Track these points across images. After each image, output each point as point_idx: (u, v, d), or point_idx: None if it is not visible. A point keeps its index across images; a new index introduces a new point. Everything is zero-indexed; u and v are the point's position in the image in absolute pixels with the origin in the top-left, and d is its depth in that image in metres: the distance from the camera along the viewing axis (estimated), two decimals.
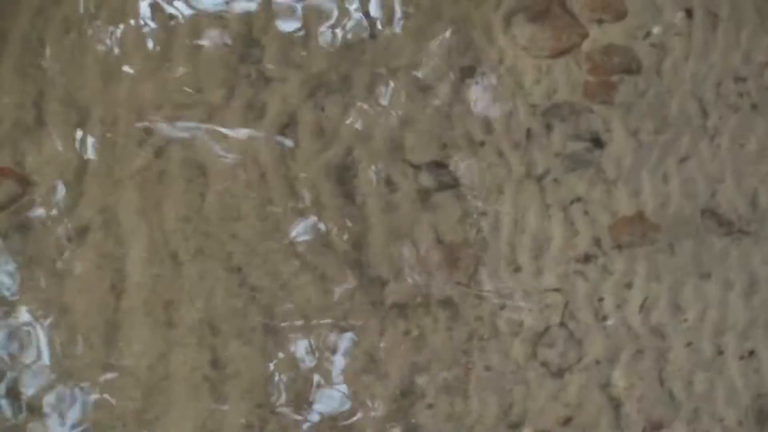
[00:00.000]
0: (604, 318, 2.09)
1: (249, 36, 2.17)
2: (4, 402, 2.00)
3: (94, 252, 2.07)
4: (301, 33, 2.18)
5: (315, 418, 2.02)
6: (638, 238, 2.12)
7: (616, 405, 2.07)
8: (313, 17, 2.16)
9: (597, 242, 2.12)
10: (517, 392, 2.07)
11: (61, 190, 2.10)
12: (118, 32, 2.16)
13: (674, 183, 2.15)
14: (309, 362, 2.04)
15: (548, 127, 2.17)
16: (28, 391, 2.00)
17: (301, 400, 2.03)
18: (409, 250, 2.10)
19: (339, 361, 2.04)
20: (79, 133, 2.14)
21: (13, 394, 1.99)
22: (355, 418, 2.02)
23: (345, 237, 2.09)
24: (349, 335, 2.05)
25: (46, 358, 2.02)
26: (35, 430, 1.98)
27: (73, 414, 2.00)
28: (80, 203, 2.10)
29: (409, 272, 2.08)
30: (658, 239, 2.12)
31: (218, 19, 2.17)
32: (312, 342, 2.05)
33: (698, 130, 2.18)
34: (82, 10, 2.17)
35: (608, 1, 2.23)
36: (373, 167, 2.12)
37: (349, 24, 2.20)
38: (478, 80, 2.17)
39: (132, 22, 2.16)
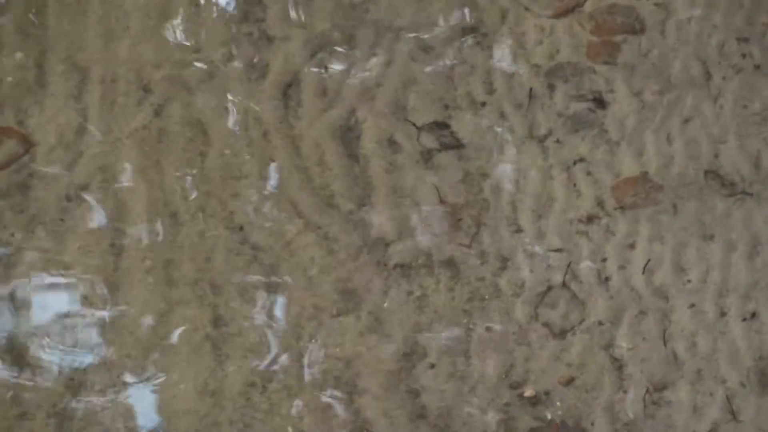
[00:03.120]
0: (607, 279, 2.01)
1: None
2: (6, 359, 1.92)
3: (95, 211, 1.98)
4: None
5: (317, 376, 1.93)
6: (641, 198, 2.04)
7: (618, 366, 1.99)
8: None
9: (600, 203, 2.04)
10: (519, 353, 1.99)
11: (61, 149, 2.01)
12: None
13: (677, 144, 2.07)
14: (312, 321, 1.96)
15: (551, 88, 2.09)
16: (29, 349, 1.91)
17: (304, 359, 1.94)
18: (411, 210, 2.01)
19: (342, 322, 1.96)
20: (79, 93, 2.04)
21: (15, 352, 1.91)
22: (358, 377, 1.94)
23: (349, 197, 2.00)
24: (352, 295, 1.96)
25: (45, 317, 1.94)
26: (32, 386, 1.90)
27: (73, 372, 1.91)
28: (80, 162, 2.01)
29: (411, 233, 1.99)
30: (661, 200, 2.04)
31: None
32: (315, 301, 1.96)
33: (702, 90, 2.10)
34: None
35: None
36: (376, 127, 2.03)
37: None
38: (479, 40, 2.08)
39: None
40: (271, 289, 2.00)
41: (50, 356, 1.95)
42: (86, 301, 1.98)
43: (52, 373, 1.94)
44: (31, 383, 1.91)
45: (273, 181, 2.05)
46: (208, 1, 2.12)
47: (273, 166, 2.05)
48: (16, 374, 1.93)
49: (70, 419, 1.91)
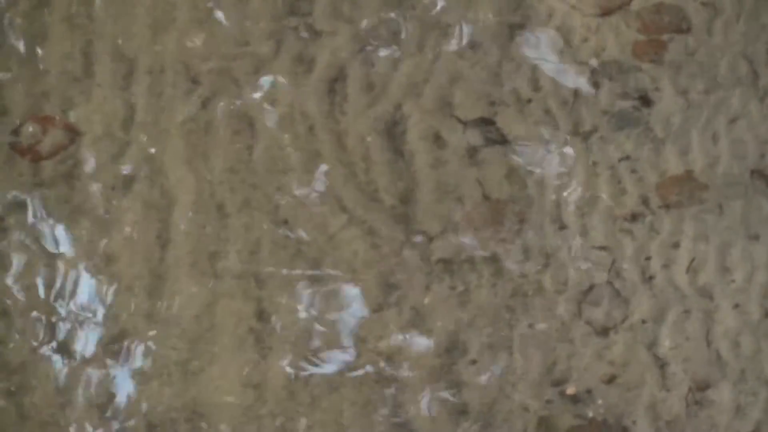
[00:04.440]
0: (651, 277, 1.98)
1: None
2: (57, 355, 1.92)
3: (140, 202, 1.97)
4: None
5: (360, 371, 1.91)
6: (686, 197, 2.01)
7: (661, 365, 1.96)
8: None
9: (645, 201, 2.01)
10: (561, 350, 1.96)
11: (107, 140, 1.99)
12: None
13: (723, 143, 2.04)
14: (355, 316, 1.93)
15: (596, 85, 2.06)
16: (77, 340, 1.90)
17: (346, 353, 1.92)
18: (455, 205, 1.98)
19: (385, 316, 1.93)
20: (126, 83, 2.02)
21: (65, 345, 1.90)
22: (399, 372, 1.92)
23: (393, 192, 1.97)
24: (395, 290, 1.94)
25: (93, 309, 1.92)
26: (81, 376, 1.89)
27: (121, 363, 1.90)
28: (127, 153, 2.02)
29: (455, 228, 1.97)
30: (706, 199, 2.01)
31: None
32: (359, 296, 1.94)
33: (748, 90, 2.06)
34: None
35: None
36: (421, 123, 2.00)
37: None
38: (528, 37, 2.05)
39: None
40: (315, 282, 1.98)
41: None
42: (131, 292, 1.96)
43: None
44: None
45: (318, 175, 2.03)
46: None
47: (318, 161, 2.03)
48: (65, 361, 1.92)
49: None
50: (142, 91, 2.08)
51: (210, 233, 2.01)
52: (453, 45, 2.11)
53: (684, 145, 2.08)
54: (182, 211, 2.01)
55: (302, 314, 1.97)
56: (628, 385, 1.98)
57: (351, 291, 1.99)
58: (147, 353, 1.96)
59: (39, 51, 2.07)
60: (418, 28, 2.11)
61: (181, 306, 1.97)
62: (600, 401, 1.98)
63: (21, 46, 2.07)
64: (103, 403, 1.94)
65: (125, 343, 1.96)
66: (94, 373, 1.96)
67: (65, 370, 1.93)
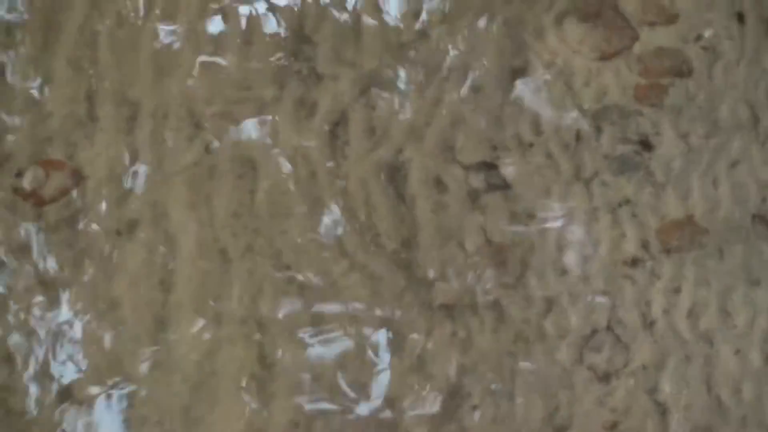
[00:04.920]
0: (652, 323, 1.98)
1: (301, 33, 2.06)
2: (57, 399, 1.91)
3: (143, 246, 1.97)
4: (353, 30, 2.05)
5: (361, 416, 1.90)
6: (687, 242, 2.01)
7: (662, 411, 1.96)
8: (366, 14, 2.03)
9: (645, 246, 2.01)
10: (563, 396, 1.96)
11: (111, 184, 1.99)
12: (171, 28, 2.04)
13: (724, 187, 2.04)
14: (356, 361, 1.93)
15: (598, 129, 2.06)
16: (69, 381, 1.90)
17: (348, 399, 1.91)
18: (457, 250, 1.98)
19: (386, 361, 1.93)
20: (130, 128, 2.02)
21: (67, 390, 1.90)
22: (402, 417, 1.91)
23: (395, 236, 1.97)
24: (396, 335, 1.94)
25: (93, 352, 1.92)
26: (76, 417, 1.88)
27: (118, 408, 1.89)
28: (130, 197, 2.02)
29: (457, 273, 1.96)
30: (707, 244, 2.01)
31: (271, 15, 2.05)
32: (360, 341, 1.93)
33: (749, 134, 2.07)
34: (136, 4, 2.04)
35: (660, 4, 2.12)
36: (423, 167, 2.00)
37: (402, 23, 2.08)
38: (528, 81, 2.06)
39: (185, 17, 2.03)
40: (317, 328, 1.97)
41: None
42: (134, 336, 1.96)
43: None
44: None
45: (320, 219, 2.02)
46: (259, 38, 2.10)
47: (320, 205, 2.03)
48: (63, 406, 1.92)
49: None
50: (145, 136, 2.09)
51: (212, 278, 2.01)
52: (455, 89, 2.11)
53: (685, 190, 2.08)
54: (185, 255, 2.02)
55: (304, 360, 1.97)
56: (629, 431, 1.97)
57: (353, 336, 1.99)
58: (148, 399, 1.95)
59: (43, 95, 2.07)
60: (419, 72, 2.12)
61: (183, 351, 1.97)
62: None
63: (25, 89, 2.07)
64: None
65: (126, 388, 1.96)
66: (94, 418, 1.96)
67: (66, 413, 1.93)
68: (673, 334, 2.07)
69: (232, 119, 2.13)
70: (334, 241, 2.07)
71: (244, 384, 1.99)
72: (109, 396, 1.99)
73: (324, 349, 2.03)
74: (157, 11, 2.14)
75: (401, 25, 2.17)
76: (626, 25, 2.20)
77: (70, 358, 2.01)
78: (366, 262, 2.06)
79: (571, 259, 2.08)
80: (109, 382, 2.00)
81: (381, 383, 2.01)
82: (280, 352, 2.01)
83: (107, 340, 2.02)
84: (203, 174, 2.10)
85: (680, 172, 2.13)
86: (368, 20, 2.16)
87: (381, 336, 2.03)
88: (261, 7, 2.16)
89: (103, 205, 2.08)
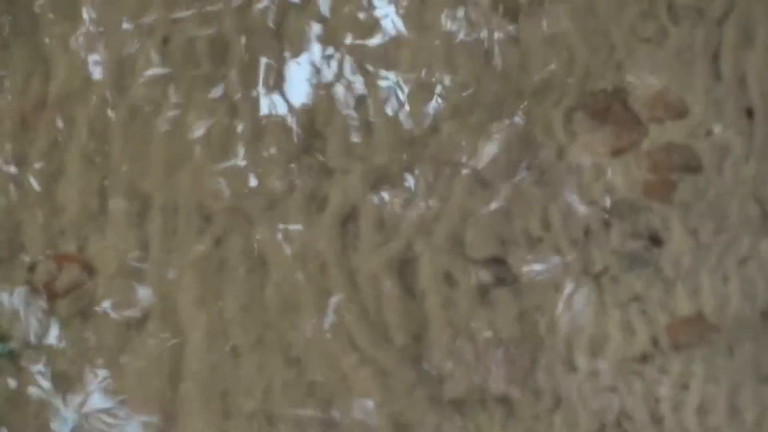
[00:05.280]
0: (661, 419, 2.25)
1: (311, 127, 2.36)
2: None
3: (153, 340, 2.26)
4: (364, 125, 2.37)
5: None
6: (696, 339, 2.29)
7: None
8: (377, 109, 2.35)
9: (654, 342, 2.29)
10: None
11: (122, 278, 2.29)
12: (183, 121, 2.37)
13: (734, 284, 2.32)
14: None
15: (607, 225, 2.35)
16: None
17: None
18: (467, 345, 2.28)
19: None
20: (141, 221, 2.33)
21: None
22: None
23: (404, 331, 2.27)
24: (406, 430, 2.22)
25: None
26: None
27: None
28: (140, 291, 2.29)
29: (466, 368, 2.26)
30: (716, 341, 2.29)
31: (281, 110, 2.37)
32: None
33: (758, 230, 2.34)
34: (148, 98, 2.37)
35: (669, 99, 2.41)
36: (433, 262, 2.30)
37: (412, 116, 2.40)
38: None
39: (198, 112, 2.36)
40: (327, 424, 2.27)
41: None
42: (144, 430, 2.25)
43: None
44: None
45: (330, 313, 2.33)
46: (270, 133, 2.41)
47: (330, 299, 2.33)
48: None
49: None
50: (156, 229, 2.37)
51: (222, 372, 2.30)
52: (464, 183, 2.43)
53: (694, 286, 2.36)
54: (195, 349, 2.31)
55: None
56: None
57: None
58: None
59: (56, 188, 2.40)
60: (430, 167, 2.42)
61: None
62: None
63: (38, 183, 2.39)
64: None
65: None
66: None
67: None
68: (682, 430, 2.35)
69: (243, 213, 2.45)
70: (344, 335, 2.37)
71: None
72: None
73: None
74: (169, 104, 2.47)
75: (412, 120, 2.50)
76: (636, 120, 2.50)
77: None
78: (376, 356, 2.35)
79: (580, 354, 2.38)
80: None
81: None
82: None
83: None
84: (213, 268, 2.39)
85: (690, 268, 2.42)
86: (379, 115, 2.49)
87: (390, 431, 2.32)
88: (273, 103, 2.49)
89: (114, 299, 2.39)
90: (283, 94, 2.35)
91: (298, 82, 2.36)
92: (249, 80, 2.35)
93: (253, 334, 2.20)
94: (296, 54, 2.37)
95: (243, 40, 2.37)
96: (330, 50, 2.36)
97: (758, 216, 2.31)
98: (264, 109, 2.34)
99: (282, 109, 2.35)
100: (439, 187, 2.31)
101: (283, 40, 2.36)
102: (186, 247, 2.27)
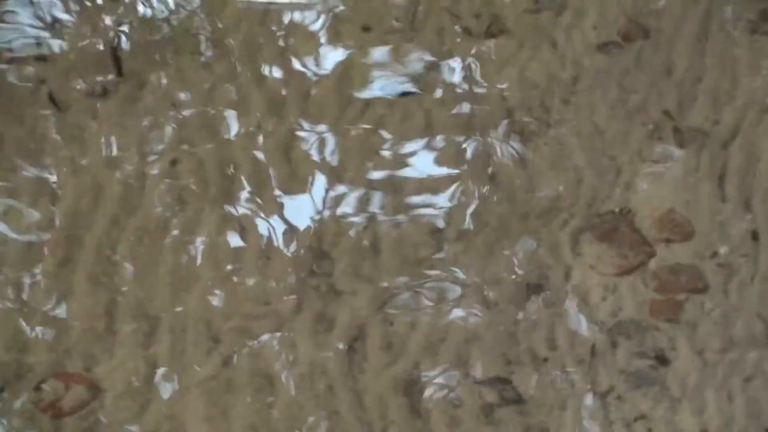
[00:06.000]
0: None
1: (319, 248, 3.12)
2: None
3: None
4: (371, 246, 3.15)
5: None
6: None
7: None
8: (382, 232, 3.12)
9: None
10: None
11: (128, 397, 3.01)
12: (191, 244, 3.14)
13: (739, 402, 3.01)
14: None
15: (613, 344, 3.07)
16: None
17: None
18: None
19: None
20: (148, 342, 3.05)
21: None
22: None
23: None
24: None
25: None
26: None
27: None
28: (147, 411, 2.95)
29: None
30: None
31: (288, 232, 3.15)
32: None
33: (763, 349, 3.03)
34: (155, 221, 3.15)
35: (676, 221, 3.17)
36: (438, 382, 3.04)
37: (419, 239, 3.18)
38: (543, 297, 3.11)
39: (206, 232, 3.14)
40: None
41: None
42: None
43: None
44: None
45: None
46: (278, 254, 3.16)
47: (338, 418, 3.06)
48: None
49: None
50: (163, 350, 3.06)
51: None
52: (470, 304, 3.18)
53: (700, 404, 3.07)
54: None
55: None
56: None
57: None
58: None
59: (63, 308, 3.15)
60: (435, 287, 3.19)
61: None
62: None
63: (45, 303, 3.15)
64: None
65: None
66: None
67: None
68: None
69: (251, 334, 3.17)
70: None
71: None
72: None
73: None
74: (177, 227, 3.25)
75: (419, 242, 3.28)
76: (642, 241, 3.27)
77: None
78: None
79: None
80: None
81: None
82: None
83: None
84: (221, 388, 3.04)
85: (695, 386, 3.09)
86: (386, 237, 3.26)
87: None
88: (279, 226, 3.27)
89: (121, 418, 3.08)
90: (290, 217, 3.10)
91: (306, 206, 3.12)
92: (257, 202, 3.09)
93: None
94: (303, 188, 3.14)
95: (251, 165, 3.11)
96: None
97: (763, 335, 3.04)
98: (272, 230, 3.08)
99: (289, 231, 3.09)
100: (445, 308, 3.04)
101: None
102: (193, 367, 2.94)
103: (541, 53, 3.34)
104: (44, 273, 3.03)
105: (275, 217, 3.06)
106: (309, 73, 3.37)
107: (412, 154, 3.26)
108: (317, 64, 3.47)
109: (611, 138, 3.14)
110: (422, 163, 3.27)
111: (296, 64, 3.43)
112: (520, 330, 2.97)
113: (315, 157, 3.18)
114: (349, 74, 3.39)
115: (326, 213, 3.10)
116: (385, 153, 3.23)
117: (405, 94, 3.29)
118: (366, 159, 3.17)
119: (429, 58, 3.50)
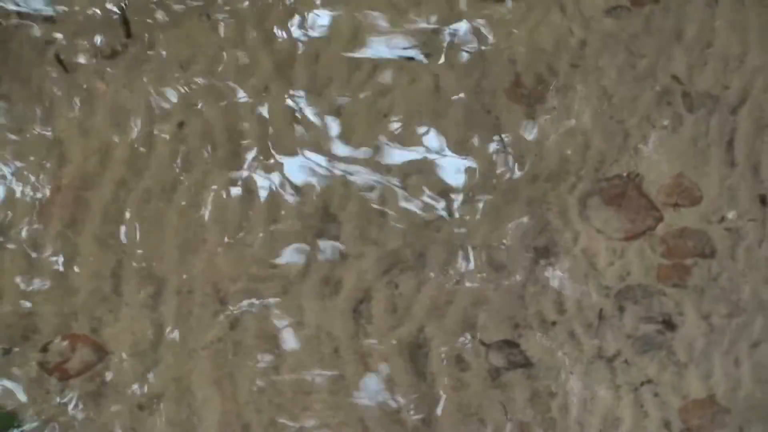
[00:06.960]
0: None
1: (326, 211, 3.11)
2: None
3: (167, 422, 2.96)
4: (378, 209, 3.13)
5: None
6: (708, 421, 2.98)
7: None
8: (389, 195, 3.11)
9: (667, 425, 2.98)
10: None
11: (135, 359, 3.01)
12: (198, 205, 3.12)
13: (745, 367, 3.01)
14: None
15: (621, 309, 3.06)
16: None
17: None
18: (478, 428, 2.99)
19: None
20: (155, 303, 3.04)
21: None
22: None
23: (415, 413, 2.98)
24: None
25: None
26: None
27: None
28: (154, 372, 2.95)
29: None
30: (728, 423, 2.96)
31: (297, 193, 3.13)
32: None
33: None
34: (162, 183, 3.13)
35: (684, 186, 3.15)
36: (444, 345, 3.03)
37: (427, 202, 3.17)
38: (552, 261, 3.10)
39: (213, 194, 3.12)
40: None
41: None
42: None
43: None
44: None
45: (342, 395, 3.05)
46: (285, 217, 3.16)
47: (343, 381, 3.05)
48: None
49: None
50: (170, 312, 3.05)
51: None
52: (477, 267, 3.18)
53: (707, 369, 3.07)
54: (208, 430, 3.04)
55: None
56: None
57: None
58: None
59: (69, 270, 3.14)
60: (442, 251, 3.15)
61: None
62: None
63: (52, 265, 3.14)
64: None
65: None
66: None
67: None
68: None
69: (257, 296, 3.18)
70: (356, 418, 3.09)
71: None
72: None
73: None
74: (184, 189, 3.24)
75: (425, 205, 3.26)
76: (650, 206, 3.25)
77: None
78: None
79: None
80: None
81: None
82: None
83: None
84: (227, 350, 3.09)
85: (702, 352, 3.10)
86: (393, 200, 3.24)
87: None
88: (286, 189, 3.25)
89: (127, 380, 3.09)
90: (296, 180, 3.09)
91: (313, 170, 3.10)
92: (264, 165, 3.08)
93: (266, 416, 2.88)
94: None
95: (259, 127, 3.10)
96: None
97: None
98: (278, 193, 3.07)
99: (296, 194, 3.07)
100: (452, 271, 3.03)
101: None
102: (200, 329, 2.95)
103: (550, 17, 3.30)
104: (51, 234, 2.92)
105: (282, 180, 3.01)
106: (316, 35, 3.32)
107: (420, 117, 3.19)
108: (323, 27, 3.42)
109: (619, 102, 3.12)
110: (430, 129, 3.17)
111: (302, 28, 3.38)
112: (528, 294, 2.94)
113: (321, 120, 3.12)
114: (357, 37, 3.34)
115: (334, 176, 3.02)
116: (393, 117, 3.17)
117: (410, 59, 3.25)
118: (373, 122, 3.11)
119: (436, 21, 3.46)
